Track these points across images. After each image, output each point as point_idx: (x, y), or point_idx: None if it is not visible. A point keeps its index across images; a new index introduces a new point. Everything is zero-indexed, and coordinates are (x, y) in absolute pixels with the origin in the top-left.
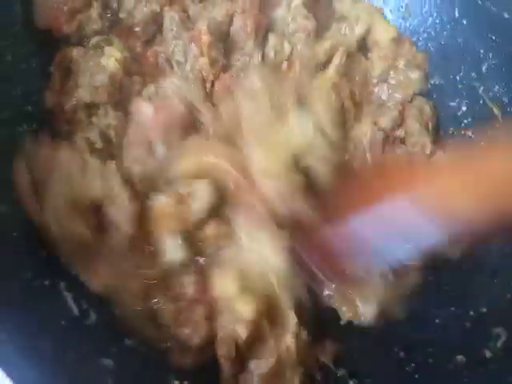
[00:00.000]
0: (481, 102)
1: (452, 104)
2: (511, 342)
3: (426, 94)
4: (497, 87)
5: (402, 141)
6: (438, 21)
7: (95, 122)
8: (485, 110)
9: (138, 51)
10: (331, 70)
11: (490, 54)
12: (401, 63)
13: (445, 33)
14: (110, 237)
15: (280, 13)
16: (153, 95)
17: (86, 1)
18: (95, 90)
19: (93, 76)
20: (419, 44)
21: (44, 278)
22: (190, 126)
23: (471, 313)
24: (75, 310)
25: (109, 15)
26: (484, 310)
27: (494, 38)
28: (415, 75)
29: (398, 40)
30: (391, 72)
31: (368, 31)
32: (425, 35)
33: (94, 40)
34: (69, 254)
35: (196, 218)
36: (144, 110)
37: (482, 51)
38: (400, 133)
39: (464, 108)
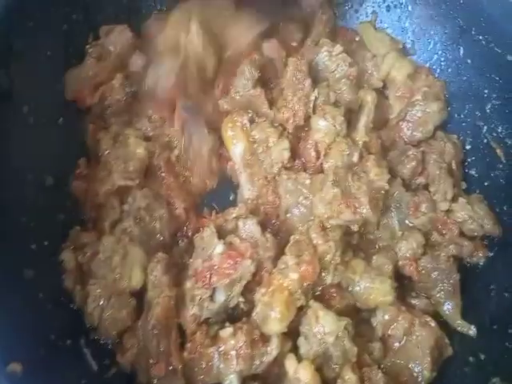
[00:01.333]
0: (485, 141)
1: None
2: None
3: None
4: (500, 128)
5: (426, 186)
6: (443, 58)
7: (126, 208)
8: (488, 150)
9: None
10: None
11: (494, 95)
12: (418, 97)
13: (449, 70)
14: (144, 319)
15: (322, 62)
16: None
17: (110, 74)
18: (128, 174)
19: (127, 162)
20: None
21: (67, 338)
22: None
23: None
24: (94, 366)
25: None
26: (483, 357)
27: (497, 78)
28: (433, 107)
29: (414, 73)
30: (409, 109)
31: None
32: None
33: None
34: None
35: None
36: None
37: (486, 91)
38: (421, 180)
39: (468, 147)
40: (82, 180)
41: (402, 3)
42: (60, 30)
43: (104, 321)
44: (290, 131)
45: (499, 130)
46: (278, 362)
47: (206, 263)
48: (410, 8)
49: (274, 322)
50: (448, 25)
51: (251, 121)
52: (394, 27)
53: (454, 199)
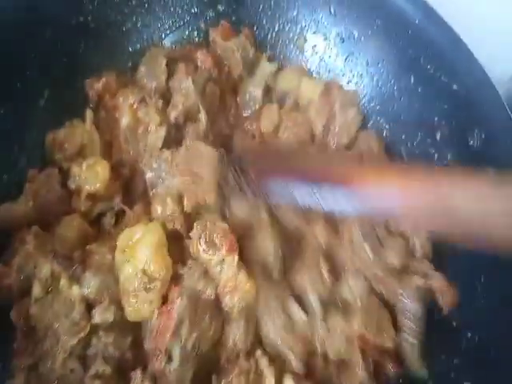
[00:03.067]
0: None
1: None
2: None
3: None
4: (449, 155)
5: None
6: (396, 87)
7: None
8: None
9: None
10: None
11: (443, 122)
12: (336, 108)
13: (402, 99)
14: None
15: None
16: None
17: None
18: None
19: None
20: (377, 108)
21: None
22: None
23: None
24: None
25: None
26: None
27: (445, 107)
28: (352, 113)
29: (327, 90)
30: (330, 121)
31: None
32: (383, 100)
33: None
34: None
35: None
36: None
37: (436, 118)
38: None
39: None
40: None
41: (354, 35)
42: None
43: None
44: None
45: (449, 157)
46: None
47: (151, 337)
48: (362, 39)
49: None
50: (399, 54)
51: (141, 101)
52: (347, 58)
53: None
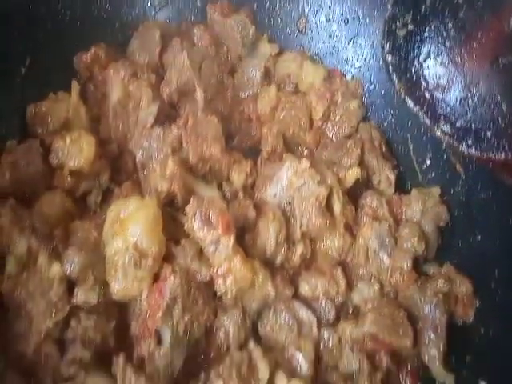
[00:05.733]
0: (444, 157)
1: (416, 158)
2: None
3: (392, 146)
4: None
5: (370, 185)
6: None
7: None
8: (448, 165)
9: None
10: None
11: None
12: (338, 97)
13: None
14: None
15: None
16: None
17: None
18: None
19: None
20: (382, 93)
21: None
22: None
23: None
24: None
25: None
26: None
27: None
28: (354, 104)
29: (329, 76)
30: (331, 109)
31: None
32: (387, 85)
33: None
34: None
35: None
36: None
37: None
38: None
39: (428, 162)
40: None
41: (359, 16)
42: None
43: None
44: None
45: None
46: None
47: (139, 320)
48: (367, 20)
49: None
50: None
51: (133, 75)
52: (351, 40)
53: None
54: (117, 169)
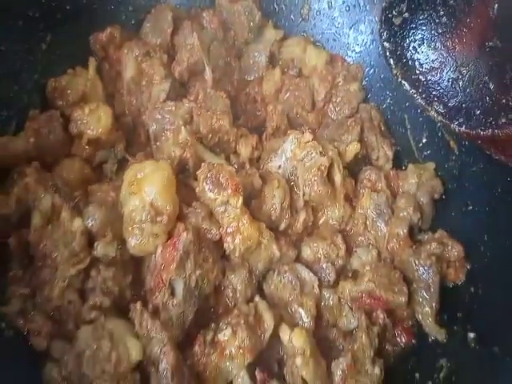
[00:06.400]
0: (439, 135)
1: (413, 137)
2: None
3: (390, 127)
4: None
5: (369, 162)
6: None
7: (91, 285)
8: (443, 143)
9: None
10: None
11: None
12: (339, 80)
13: None
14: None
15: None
16: None
17: None
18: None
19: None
20: (381, 76)
21: None
22: None
23: None
24: None
25: None
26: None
27: None
28: (354, 87)
29: (331, 61)
30: (333, 91)
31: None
32: (386, 68)
33: None
34: None
35: None
36: None
37: None
38: (363, 151)
39: (424, 140)
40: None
41: (360, 3)
42: None
43: None
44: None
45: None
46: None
47: (154, 273)
48: (367, 7)
49: None
50: None
51: (146, 54)
52: (352, 26)
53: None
54: (130, 142)
